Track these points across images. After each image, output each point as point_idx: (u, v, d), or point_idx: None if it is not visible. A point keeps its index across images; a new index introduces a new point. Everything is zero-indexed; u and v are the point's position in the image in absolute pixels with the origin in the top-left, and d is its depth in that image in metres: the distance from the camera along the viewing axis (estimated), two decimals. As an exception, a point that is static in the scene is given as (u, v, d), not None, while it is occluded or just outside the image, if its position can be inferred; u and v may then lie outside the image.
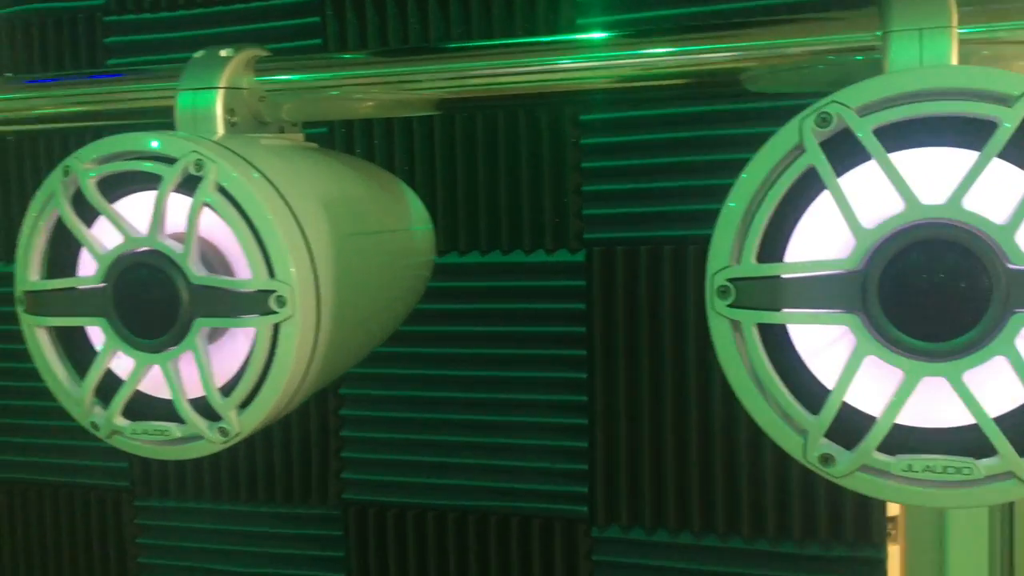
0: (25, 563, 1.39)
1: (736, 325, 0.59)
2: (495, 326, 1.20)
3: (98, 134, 0.79)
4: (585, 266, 1.17)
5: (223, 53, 0.79)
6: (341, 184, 0.82)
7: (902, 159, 0.57)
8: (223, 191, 0.68)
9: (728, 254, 0.59)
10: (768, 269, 0.58)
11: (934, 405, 0.57)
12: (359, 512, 1.26)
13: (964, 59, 0.64)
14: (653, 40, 0.74)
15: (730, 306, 0.59)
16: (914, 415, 0.58)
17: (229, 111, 0.77)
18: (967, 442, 0.56)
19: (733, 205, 0.59)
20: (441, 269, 1.20)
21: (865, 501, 1.06)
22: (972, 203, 0.55)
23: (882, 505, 1.08)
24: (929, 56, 0.60)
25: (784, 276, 0.59)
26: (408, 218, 0.94)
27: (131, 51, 1.29)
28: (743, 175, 0.59)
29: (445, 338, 1.21)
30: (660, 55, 0.73)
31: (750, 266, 0.58)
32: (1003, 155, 0.55)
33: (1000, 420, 0.55)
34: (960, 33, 0.61)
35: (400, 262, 0.91)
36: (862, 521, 1.07)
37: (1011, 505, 1.07)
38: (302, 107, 0.83)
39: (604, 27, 1.12)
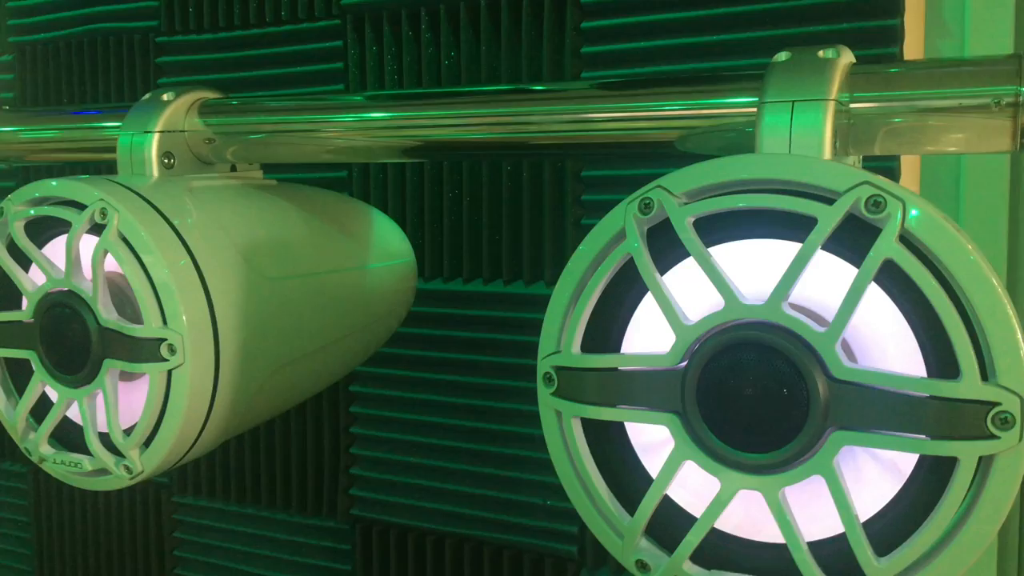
0: (67, 554, 1.51)
1: (559, 414, 0.56)
2: (504, 357, 1.19)
3: (63, 171, 0.84)
4: (584, 301, 1.14)
5: (165, 97, 0.83)
6: (276, 226, 0.84)
7: (730, 250, 0.52)
8: (124, 239, 0.71)
9: (555, 340, 0.56)
10: (588, 360, 0.55)
11: (759, 515, 0.52)
12: (365, 528, 1.29)
13: (849, 132, 0.58)
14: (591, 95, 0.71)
15: (553, 395, 0.56)
16: (739, 522, 0.53)
17: (165, 154, 0.81)
18: (782, 563, 0.51)
19: (560, 290, 0.56)
20: (446, 296, 1.21)
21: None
22: (804, 297, 0.50)
23: None
24: (799, 129, 0.55)
25: (617, 368, 0.55)
26: (370, 254, 0.95)
27: (182, 71, 1.36)
28: (571, 259, 0.56)
29: (456, 365, 1.21)
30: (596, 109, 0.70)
31: (571, 356, 0.55)
32: (832, 249, 0.49)
33: (817, 545, 0.50)
34: (840, 105, 0.56)
35: (352, 299, 0.91)
36: None
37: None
38: (250, 150, 0.85)
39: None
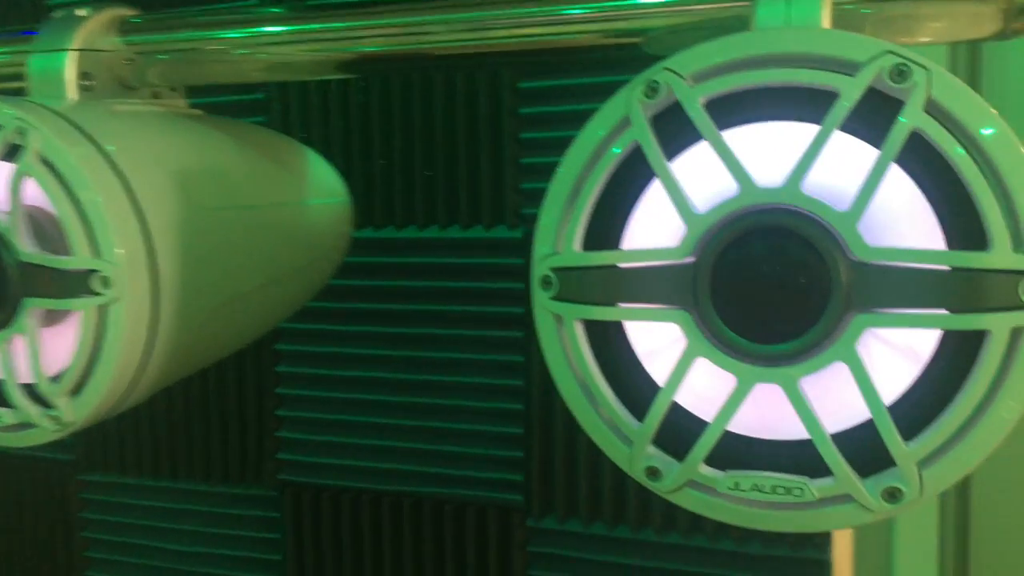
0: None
1: (559, 320, 0.53)
2: (432, 304, 1.15)
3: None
4: (523, 243, 1.10)
5: (80, 13, 0.75)
6: (210, 154, 0.77)
7: (744, 134, 0.50)
8: (47, 162, 0.64)
9: (552, 241, 0.53)
10: (592, 258, 0.52)
11: (775, 414, 0.50)
12: (295, 494, 1.22)
13: (844, 26, 0.56)
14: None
15: (553, 299, 0.53)
16: (754, 424, 0.51)
17: (83, 75, 0.73)
18: (803, 459, 0.49)
19: (557, 185, 0.52)
20: (377, 244, 1.16)
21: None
22: (818, 184, 0.48)
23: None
24: (797, 20, 0.53)
25: (619, 266, 0.52)
26: (306, 190, 0.89)
27: None
28: (568, 152, 0.52)
29: (380, 315, 1.16)
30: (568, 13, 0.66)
31: (572, 254, 0.52)
32: (849, 129, 0.47)
33: (840, 437, 0.48)
34: (837, -5, 0.54)
35: (291, 237, 0.85)
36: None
37: (965, 500, 0.99)
38: (175, 70, 0.78)
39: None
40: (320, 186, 0.91)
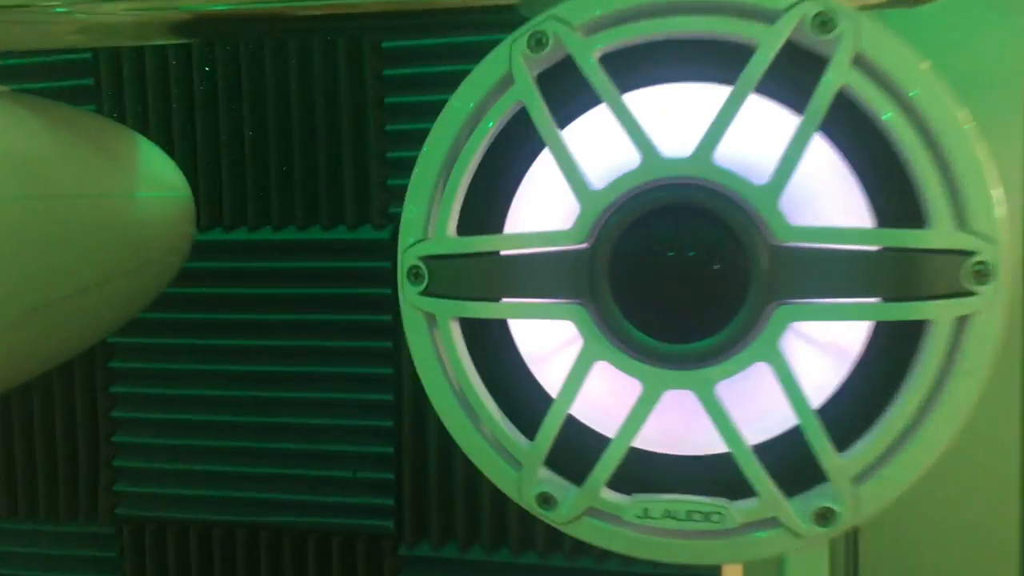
0: None
1: (431, 320, 0.44)
2: (289, 313, 1.04)
3: None
4: (390, 245, 1.01)
5: None
6: (11, 135, 0.64)
7: (645, 98, 0.42)
8: None
9: (421, 226, 0.44)
10: (469, 244, 0.43)
11: (685, 425, 0.43)
12: (135, 530, 1.09)
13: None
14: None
15: (423, 294, 0.44)
16: (662, 438, 0.44)
17: None
18: (723, 477, 0.42)
19: (426, 159, 0.43)
20: (225, 247, 1.04)
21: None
22: (731, 155, 0.41)
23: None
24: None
25: (501, 254, 0.44)
26: (136, 182, 0.77)
27: None
28: (439, 119, 0.43)
29: (231, 327, 1.05)
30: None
31: (445, 240, 0.43)
32: (767, 91, 0.40)
33: (763, 448, 0.41)
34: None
35: (116, 235, 0.73)
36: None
37: (855, 536, 0.95)
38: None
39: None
40: (153, 178, 0.79)
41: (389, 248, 1.01)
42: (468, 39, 0.94)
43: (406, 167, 0.98)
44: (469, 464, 0.98)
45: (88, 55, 1.06)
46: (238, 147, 1.03)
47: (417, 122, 1.00)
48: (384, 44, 0.98)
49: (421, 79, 0.98)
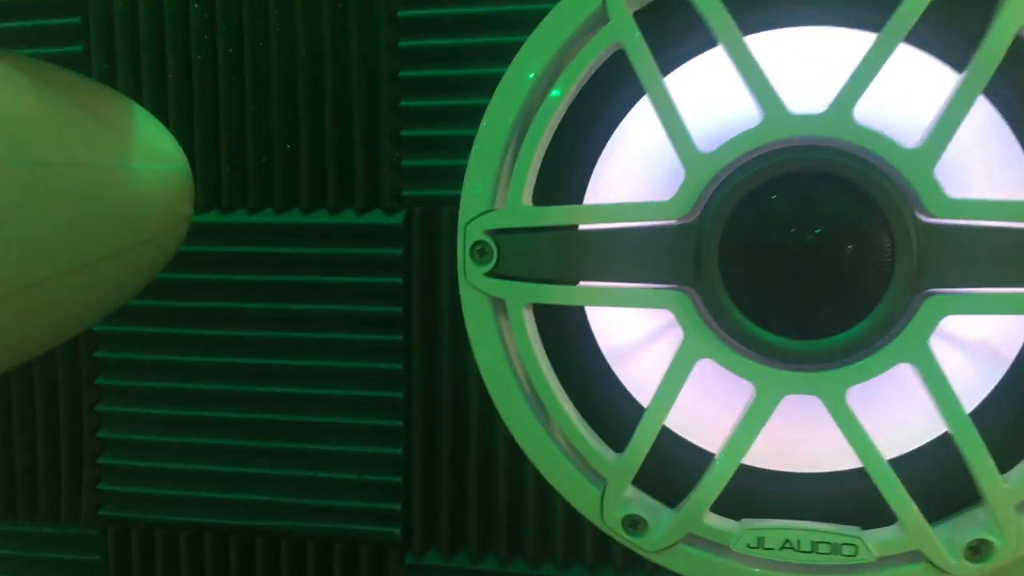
0: None
1: (498, 306, 0.37)
2: (292, 303, 0.97)
3: None
4: (403, 231, 0.94)
5: None
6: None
7: (770, 43, 0.35)
8: None
9: (488, 195, 0.36)
10: (548, 215, 0.36)
11: (806, 439, 0.36)
12: (120, 532, 1.02)
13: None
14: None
15: (489, 275, 0.36)
16: (779, 453, 0.36)
17: None
18: (852, 500, 0.35)
19: (495, 113, 0.36)
20: (222, 231, 0.97)
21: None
22: (873, 113, 0.34)
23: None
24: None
25: (583, 229, 0.36)
26: (129, 151, 0.69)
27: None
28: (512, 64, 0.36)
29: (227, 316, 0.98)
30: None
31: (520, 210, 0.36)
32: (918, 40, 0.34)
33: (900, 464, 0.34)
34: None
35: (107, 209, 0.65)
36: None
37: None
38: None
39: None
40: (149, 148, 0.71)
41: (400, 234, 0.94)
42: (493, 8, 0.87)
43: (420, 147, 0.92)
44: (483, 468, 0.92)
45: (78, 19, 0.98)
46: (238, 122, 0.96)
47: (434, 98, 0.92)
48: (400, 13, 0.90)
49: (439, 51, 0.91)
